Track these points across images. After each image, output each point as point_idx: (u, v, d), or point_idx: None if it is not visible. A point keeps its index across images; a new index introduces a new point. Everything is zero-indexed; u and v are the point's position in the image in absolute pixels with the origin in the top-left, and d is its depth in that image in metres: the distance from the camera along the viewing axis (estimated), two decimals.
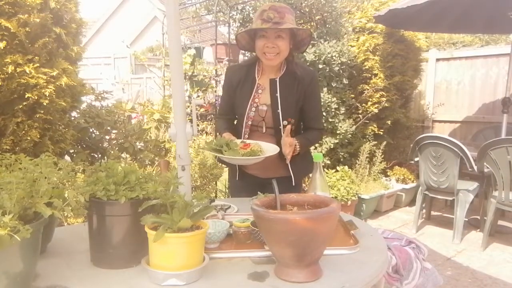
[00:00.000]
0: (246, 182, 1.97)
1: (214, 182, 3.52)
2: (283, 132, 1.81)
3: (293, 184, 1.89)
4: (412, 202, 4.55)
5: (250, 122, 1.86)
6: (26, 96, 1.70)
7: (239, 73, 1.92)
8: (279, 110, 1.82)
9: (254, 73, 1.89)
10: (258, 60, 1.89)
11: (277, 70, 1.87)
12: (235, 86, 1.91)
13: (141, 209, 1.04)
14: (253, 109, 1.86)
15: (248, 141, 1.76)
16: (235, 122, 2.02)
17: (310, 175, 1.56)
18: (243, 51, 4.67)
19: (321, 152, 4.00)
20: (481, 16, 4.32)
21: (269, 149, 1.73)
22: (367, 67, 4.52)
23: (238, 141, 1.76)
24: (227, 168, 3.22)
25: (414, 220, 3.92)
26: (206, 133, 5.01)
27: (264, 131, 1.86)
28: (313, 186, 1.49)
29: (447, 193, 3.66)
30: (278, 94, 1.83)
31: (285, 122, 1.83)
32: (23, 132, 1.74)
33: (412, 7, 3.69)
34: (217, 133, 1.92)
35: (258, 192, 1.50)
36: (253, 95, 1.86)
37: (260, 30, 1.75)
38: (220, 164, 3.28)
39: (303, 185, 3.69)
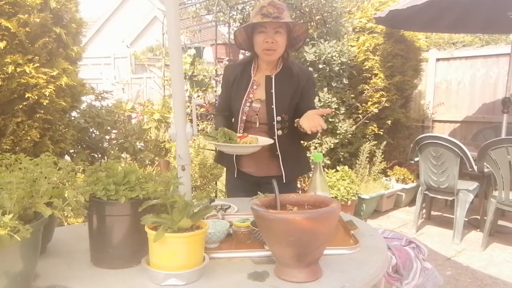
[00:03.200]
0: (242, 180, 1.98)
1: (214, 182, 3.52)
2: (276, 129, 1.84)
3: (284, 181, 1.88)
4: (412, 202, 4.55)
5: (244, 118, 1.88)
6: (26, 96, 1.71)
7: (236, 70, 1.96)
8: (273, 106, 1.84)
9: (250, 70, 1.93)
10: (254, 58, 1.93)
11: (273, 67, 1.90)
12: (232, 83, 1.94)
13: (141, 209, 1.04)
14: (248, 104, 1.88)
15: (245, 134, 1.79)
16: (233, 120, 2.04)
17: (310, 174, 1.56)
18: (243, 51, 4.67)
19: (321, 152, 4.00)
20: (481, 16, 4.32)
21: (264, 141, 1.77)
22: (367, 67, 4.52)
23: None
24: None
25: (414, 220, 3.92)
26: (206, 133, 5.01)
27: (257, 126, 1.88)
28: (313, 186, 1.49)
29: (447, 193, 3.66)
30: (273, 90, 1.85)
31: (279, 118, 1.85)
32: (23, 132, 1.74)
33: (412, 8, 3.69)
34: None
35: (258, 192, 1.49)
36: (248, 90, 1.89)
37: (259, 26, 1.78)
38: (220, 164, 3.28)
39: (303, 185, 3.70)
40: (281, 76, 1.88)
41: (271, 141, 1.77)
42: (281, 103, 1.85)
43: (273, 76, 1.87)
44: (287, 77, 1.88)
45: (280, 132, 1.86)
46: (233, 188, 2.10)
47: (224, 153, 1.95)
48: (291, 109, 1.88)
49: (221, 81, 4.63)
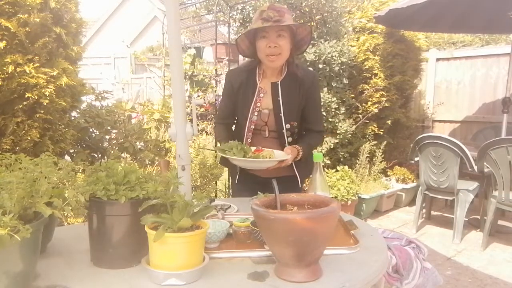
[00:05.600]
0: (247, 182, 1.95)
1: (214, 182, 3.52)
2: (286, 136, 1.82)
3: (300, 186, 1.88)
4: (412, 202, 4.55)
5: (253, 127, 1.86)
6: (26, 96, 1.71)
7: (240, 77, 1.90)
8: (282, 114, 1.82)
9: (255, 77, 1.87)
10: (258, 64, 1.88)
11: (278, 73, 1.86)
12: (237, 90, 1.89)
13: (141, 209, 1.04)
14: (256, 113, 1.84)
15: (260, 147, 1.77)
16: (233, 127, 2.01)
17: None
18: None
19: (321, 152, 3.99)
20: (481, 16, 4.32)
21: (280, 155, 1.73)
22: (367, 67, 4.52)
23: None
24: (227, 168, 3.19)
25: (414, 220, 3.92)
26: (206, 133, 5.01)
27: (267, 135, 1.86)
28: (313, 186, 1.49)
29: (447, 192, 3.66)
30: (280, 98, 1.82)
31: (288, 126, 1.83)
32: (23, 132, 1.74)
33: (412, 7, 3.69)
34: (217, 141, 1.92)
35: (258, 192, 1.49)
36: (255, 99, 1.84)
37: (261, 31, 1.74)
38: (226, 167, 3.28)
39: (303, 185, 3.69)
40: (287, 82, 1.84)
41: (287, 156, 1.70)
42: (289, 110, 1.82)
43: (279, 83, 1.84)
44: (293, 83, 1.84)
45: (290, 139, 1.85)
46: (238, 188, 2.06)
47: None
48: (299, 115, 1.87)
49: (221, 82, 4.65)
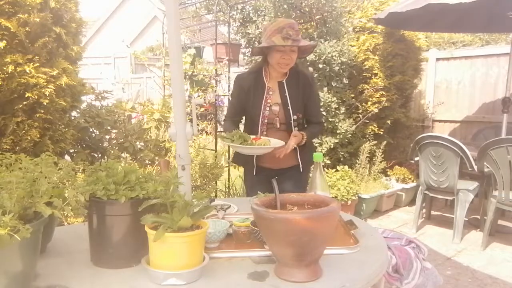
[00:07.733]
0: (260, 176, 2.19)
1: (214, 182, 3.52)
2: (294, 126, 2.13)
3: (301, 170, 2.19)
4: (412, 202, 4.54)
5: (266, 121, 2.14)
6: (26, 96, 1.71)
7: (249, 79, 2.19)
8: (290, 107, 2.13)
9: (262, 78, 2.18)
10: (263, 66, 2.18)
11: (283, 74, 2.16)
12: (246, 91, 2.17)
13: (141, 208, 1.04)
14: (267, 108, 2.14)
15: (258, 136, 2.03)
16: (242, 122, 2.30)
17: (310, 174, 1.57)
18: (243, 51, 4.69)
19: (321, 151, 4.00)
20: (481, 15, 4.32)
21: (276, 142, 1.99)
22: (367, 66, 4.52)
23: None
24: (227, 168, 3.26)
25: (414, 219, 3.92)
26: (206, 132, 5.02)
27: (278, 126, 2.14)
28: (313, 185, 1.49)
29: (447, 192, 3.66)
30: (287, 94, 2.14)
31: (295, 117, 2.13)
32: (23, 131, 1.74)
33: (411, 10, 3.69)
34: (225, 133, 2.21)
35: (258, 192, 1.50)
36: (265, 97, 2.14)
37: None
38: (220, 164, 3.29)
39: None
40: (291, 81, 2.16)
41: (282, 143, 1.99)
42: (295, 104, 2.14)
43: (284, 81, 2.16)
44: (295, 81, 2.16)
45: (296, 128, 2.14)
46: (252, 185, 2.28)
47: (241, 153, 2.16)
48: (302, 108, 2.18)
49: (221, 81, 4.65)
